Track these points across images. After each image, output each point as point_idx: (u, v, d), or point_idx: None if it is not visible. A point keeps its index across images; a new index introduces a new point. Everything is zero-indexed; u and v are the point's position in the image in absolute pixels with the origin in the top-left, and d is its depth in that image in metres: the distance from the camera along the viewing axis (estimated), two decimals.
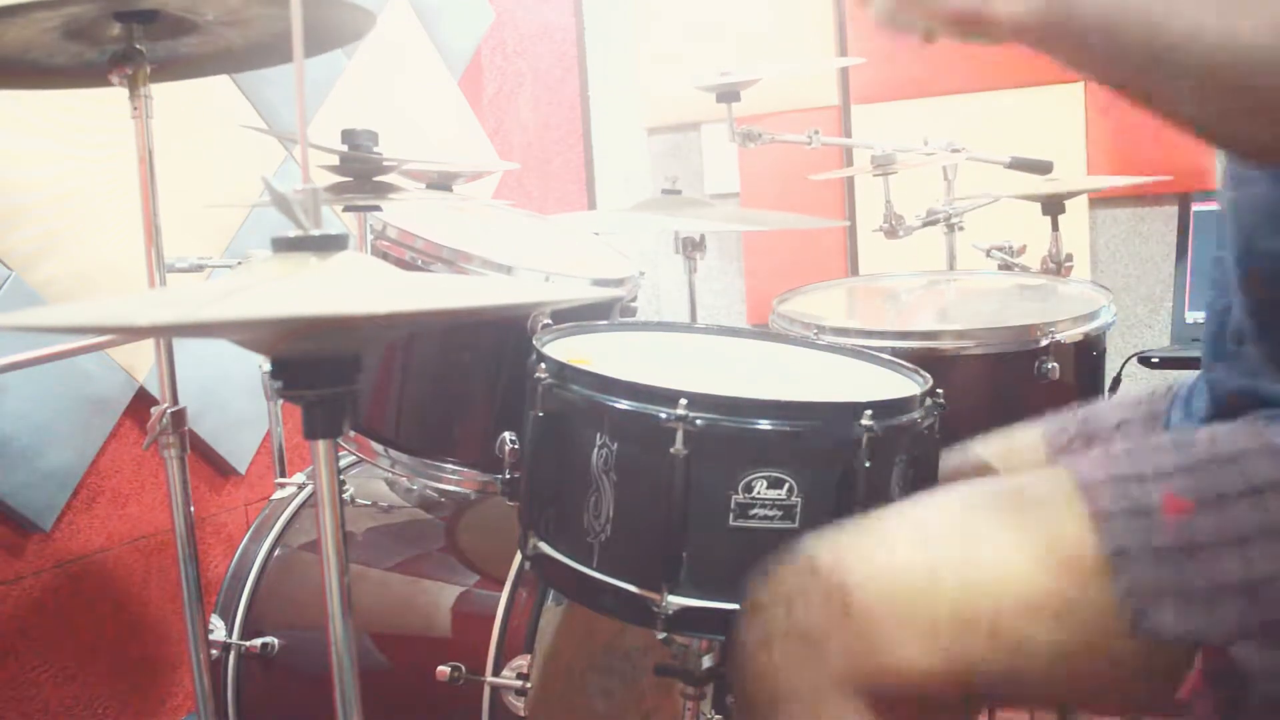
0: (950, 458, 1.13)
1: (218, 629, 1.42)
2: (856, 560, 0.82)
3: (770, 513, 0.89)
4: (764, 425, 0.89)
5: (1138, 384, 1.24)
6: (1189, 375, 1.04)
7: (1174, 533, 0.78)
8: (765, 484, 0.89)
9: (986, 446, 1.15)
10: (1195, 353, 1.00)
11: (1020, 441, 1.14)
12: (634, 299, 1.40)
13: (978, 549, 0.81)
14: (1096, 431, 1.10)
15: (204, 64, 1.33)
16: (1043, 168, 1.92)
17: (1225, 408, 0.92)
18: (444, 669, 1.26)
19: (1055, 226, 1.92)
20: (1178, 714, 0.80)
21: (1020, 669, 0.79)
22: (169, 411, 1.24)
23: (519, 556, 1.21)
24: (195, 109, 1.87)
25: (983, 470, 1.13)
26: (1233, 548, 0.77)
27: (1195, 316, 2.31)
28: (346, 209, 1.28)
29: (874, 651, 0.79)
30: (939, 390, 1.00)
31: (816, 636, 0.80)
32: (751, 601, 0.85)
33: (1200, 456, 0.82)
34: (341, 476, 1.51)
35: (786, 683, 0.81)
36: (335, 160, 1.24)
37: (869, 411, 0.90)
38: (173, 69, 1.28)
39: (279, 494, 1.55)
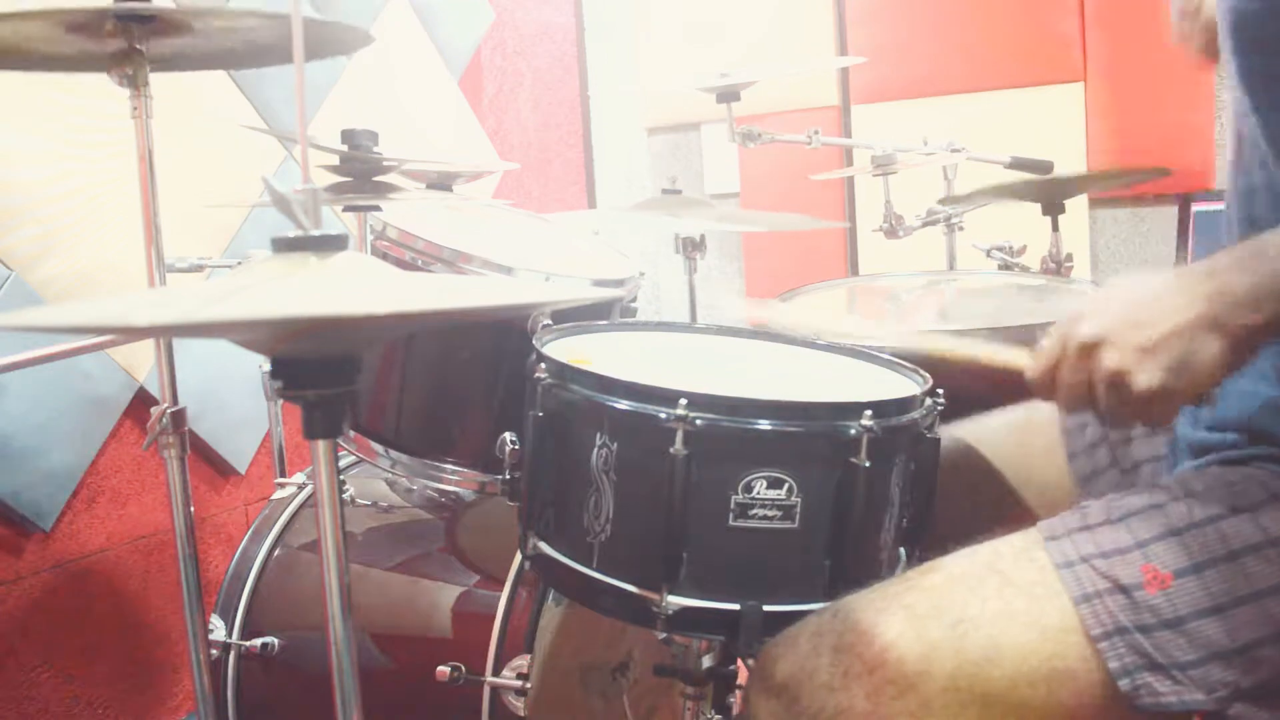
0: (961, 431, 1.14)
1: (218, 629, 1.42)
2: (856, 643, 0.84)
3: (770, 513, 0.89)
4: (764, 425, 0.89)
5: None
6: None
7: (1156, 608, 0.80)
8: (765, 484, 0.89)
9: (1003, 417, 1.17)
10: None
11: (1035, 419, 1.15)
12: (634, 299, 1.40)
13: (966, 636, 0.83)
14: (1114, 439, 1.10)
15: (203, 61, 1.32)
16: (1043, 167, 1.92)
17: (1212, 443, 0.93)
18: (444, 669, 1.26)
19: (1055, 226, 1.92)
20: None
21: None
22: (169, 411, 1.24)
23: (519, 556, 1.21)
24: (196, 109, 1.87)
25: (993, 449, 1.14)
26: (1214, 615, 0.79)
27: None
28: (346, 209, 1.28)
29: None
30: (939, 390, 1.00)
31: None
32: (762, 678, 0.88)
33: (1175, 523, 0.83)
34: (341, 476, 1.51)
35: None
36: (335, 160, 1.24)
37: (869, 411, 0.90)
38: (172, 63, 1.28)
39: (279, 494, 1.55)
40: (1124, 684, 0.79)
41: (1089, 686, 0.80)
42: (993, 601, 0.84)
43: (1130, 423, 0.84)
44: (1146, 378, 0.77)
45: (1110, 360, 0.79)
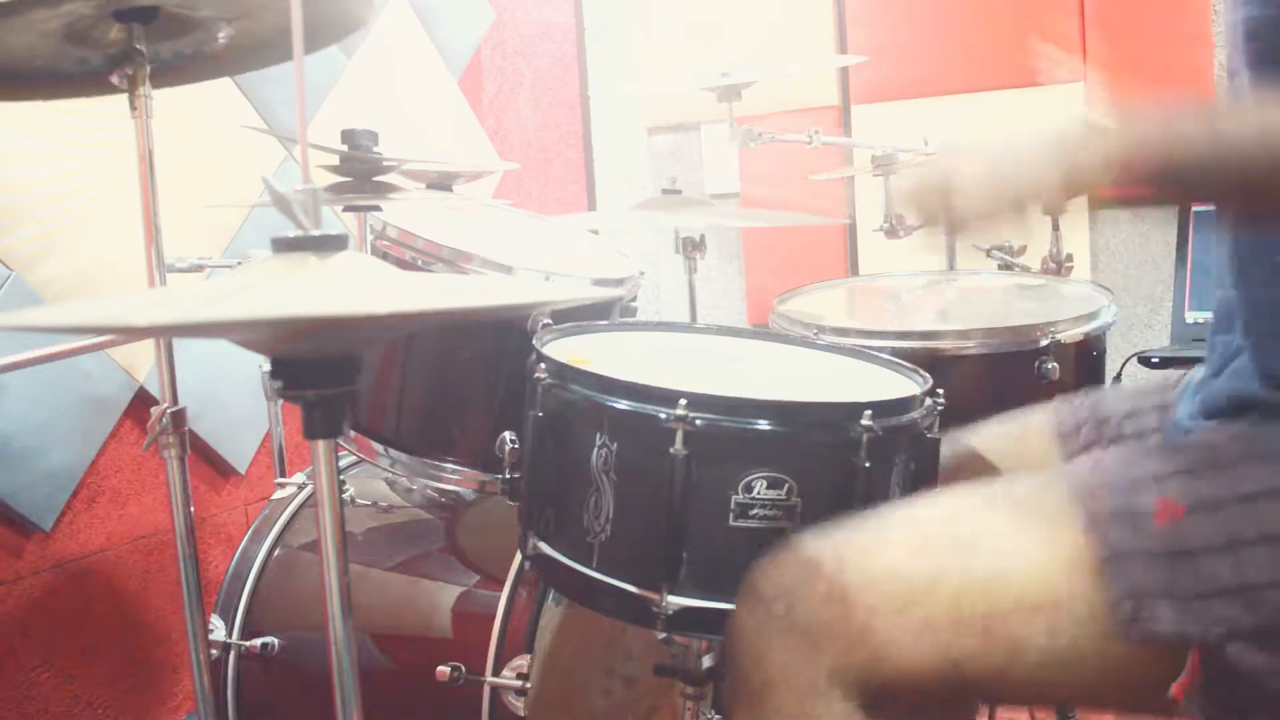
0: (960, 439, 1.14)
1: (218, 629, 1.42)
2: (856, 559, 0.83)
3: (770, 513, 0.89)
4: (764, 425, 0.89)
5: (1138, 384, 1.24)
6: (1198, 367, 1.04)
7: (1166, 537, 0.80)
8: (765, 484, 0.89)
9: (999, 427, 1.17)
10: (1195, 353, 1.00)
11: (1031, 426, 1.15)
12: (634, 299, 1.40)
13: (974, 551, 0.82)
14: (1106, 418, 1.11)
15: (204, 66, 1.33)
16: None
17: (1226, 407, 0.93)
18: (444, 669, 1.26)
19: (1055, 226, 1.92)
20: (1170, 713, 0.81)
21: (1015, 668, 0.80)
22: (169, 411, 1.24)
23: (519, 556, 1.21)
24: (195, 109, 1.87)
25: (991, 455, 1.14)
26: (1225, 552, 0.79)
27: (1195, 316, 2.31)
28: (346, 209, 1.28)
29: (870, 648, 0.80)
30: (939, 390, 1.00)
31: (814, 631, 0.81)
32: (752, 589, 0.86)
33: (1193, 462, 0.84)
34: (341, 476, 1.51)
35: (780, 672, 0.82)
36: (335, 160, 1.24)
37: (869, 411, 0.90)
38: (173, 73, 1.28)
39: (279, 494, 1.55)
40: (1124, 606, 0.78)
41: (1091, 615, 0.80)
42: (1005, 523, 0.84)
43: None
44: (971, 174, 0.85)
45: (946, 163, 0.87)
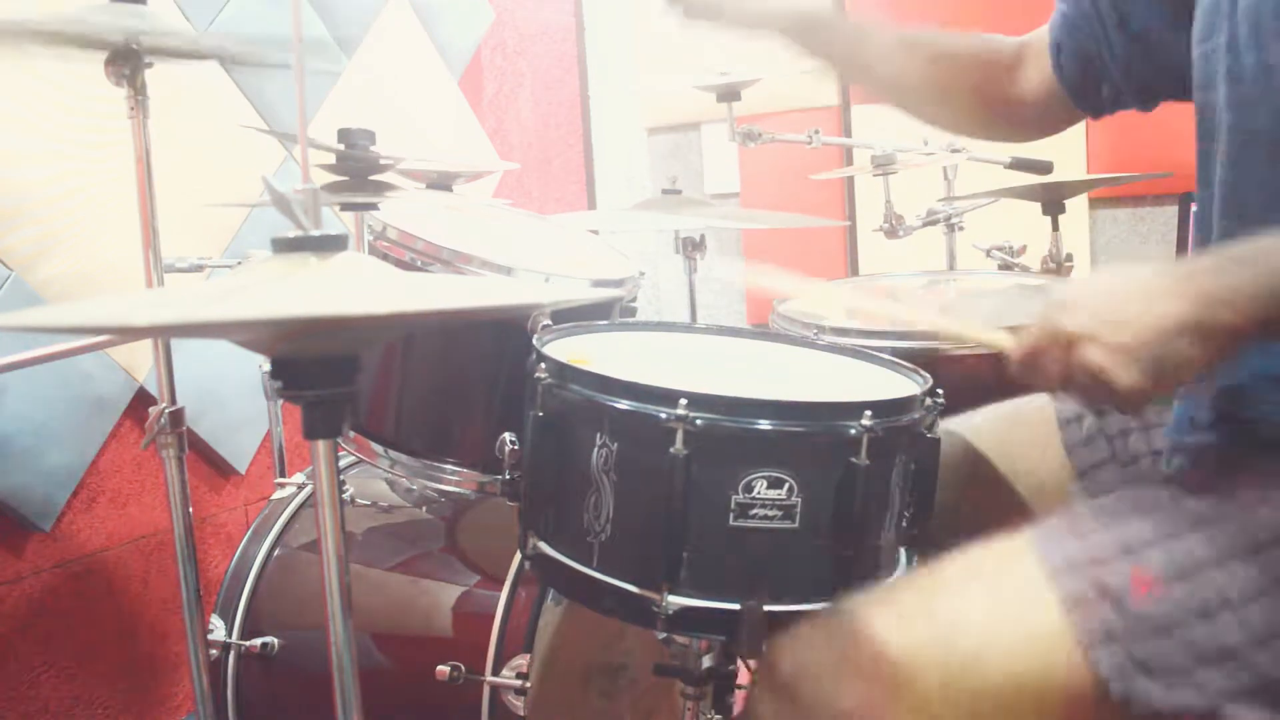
0: (952, 424, 1.14)
1: (218, 629, 1.42)
2: (846, 647, 0.84)
3: (770, 512, 0.89)
4: (764, 425, 0.89)
5: None
6: None
7: (1146, 613, 0.80)
8: (765, 484, 0.89)
9: (995, 413, 1.17)
10: None
11: (1027, 407, 1.16)
12: (634, 299, 1.40)
13: (955, 633, 0.83)
14: (1107, 430, 1.11)
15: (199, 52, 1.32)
16: (1043, 168, 1.92)
17: (1213, 417, 0.93)
18: (444, 669, 1.26)
19: (1055, 226, 1.92)
20: None
21: None
22: (167, 411, 1.24)
23: (519, 556, 1.21)
24: (195, 109, 1.87)
25: (986, 444, 1.15)
26: (1203, 620, 0.79)
27: None
28: (345, 209, 1.28)
29: None
30: (939, 390, 1.00)
31: (828, 716, 0.83)
32: (768, 674, 0.88)
33: (1164, 528, 0.83)
34: (341, 476, 1.51)
35: None
36: (332, 159, 1.24)
37: (869, 411, 0.90)
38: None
39: (279, 494, 1.55)
40: (1116, 688, 0.79)
41: (1079, 689, 0.80)
42: (981, 603, 0.84)
43: (1108, 411, 0.88)
44: (1126, 375, 0.79)
45: (1092, 356, 0.80)
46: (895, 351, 1.18)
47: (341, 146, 1.23)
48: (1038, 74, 1.14)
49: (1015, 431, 1.15)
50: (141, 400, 1.75)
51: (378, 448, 1.36)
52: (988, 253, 2.03)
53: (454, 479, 1.35)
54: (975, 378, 1.39)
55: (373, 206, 1.29)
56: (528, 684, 1.24)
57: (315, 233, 0.72)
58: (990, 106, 1.19)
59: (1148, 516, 0.85)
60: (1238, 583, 0.79)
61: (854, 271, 3.04)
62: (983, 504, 1.12)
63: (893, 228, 2.17)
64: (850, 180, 3.02)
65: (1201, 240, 0.95)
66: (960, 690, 0.81)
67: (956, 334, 1.00)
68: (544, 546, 1.01)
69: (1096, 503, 0.90)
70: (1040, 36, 1.15)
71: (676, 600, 0.91)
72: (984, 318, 1.45)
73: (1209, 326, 0.77)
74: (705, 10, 1.15)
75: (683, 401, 0.88)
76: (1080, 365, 0.81)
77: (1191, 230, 1.05)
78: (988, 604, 0.84)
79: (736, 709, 1.15)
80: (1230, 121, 0.92)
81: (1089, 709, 0.80)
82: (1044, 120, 1.18)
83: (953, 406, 1.02)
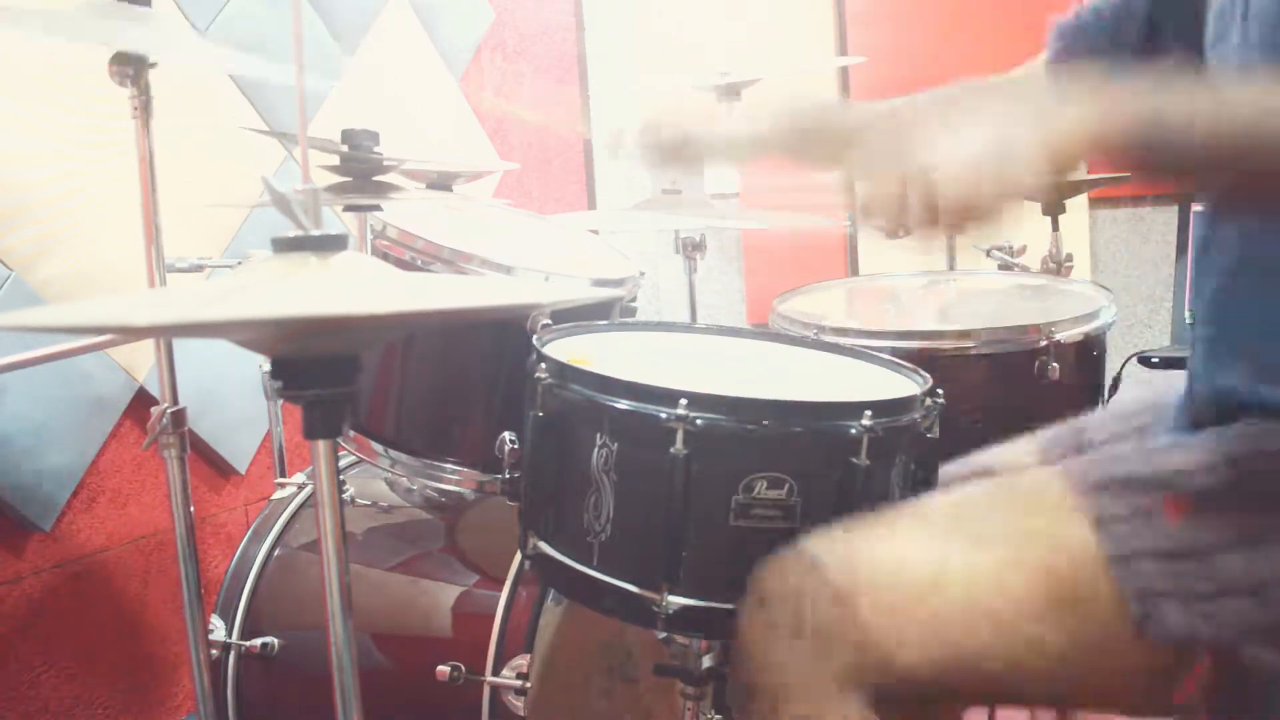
0: (947, 470, 1.13)
1: (218, 629, 1.42)
2: (861, 558, 0.82)
3: (770, 513, 0.89)
4: (764, 425, 0.89)
5: (1138, 384, 1.24)
6: (1180, 382, 1.04)
7: (1176, 535, 0.79)
8: (765, 484, 0.89)
9: (981, 460, 1.15)
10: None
11: (1015, 454, 1.14)
12: (634, 299, 1.40)
13: (981, 546, 0.82)
14: (1089, 442, 1.10)
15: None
16: None
17: (1214, 414, 0.93)
18: (444, 669, 1.26)
19: (1055, 226, 1.92)
20: (1175, 714, 0.80)
21: (1023, 667, 0.80)
22: (169, 411, 1.24)
23: (519, 556, 1.21)
24: (195, 109, 1.87)
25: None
26: (1234, 551, 0.78)
27: None
28: (346, 209, 1.28)
29: (879, 650, 0.79)
30: (939, 390, 1.00)
31: (822, 635, 0.80)
32: (757, 594, 0.85)
33: (1201, 459, 0.82)
34: (341, 476, 1.51)
35: (791, 679, 0.82)
36: (335, 160, 1.24)
37: (869, 411, 0.90)
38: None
39: (279, 494, 1.55)
40: (1135, 608, 0.77)
41: (1101, 611, 0.79)
42: (1012, 518, 0.83)
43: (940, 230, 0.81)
44: (949, 156, 0.75)
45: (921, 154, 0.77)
46: (895, 351, 1.18)
47: (345, 147, 1.23)
48: None
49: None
50: (141, 400, 1.75)
51: (378, 447, 1.36)
52: (988, 253, 2.03)
53: (454, 478, 1.35)
54: (975, 378, 1.40)
55: (375, 207, 1.29)
56: (528, 684, 1.24)
57: (315, 233, 0.72)
58: None
59: (1182, 448, 0.84)
60: (1274, 522, 0.78)
61: (854, 271, 3.04)
62: None
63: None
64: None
65: (1206, 242, 0.94)
66: (982, 606, 0.79)
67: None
68: (544, 546, 1.01)
69: (1128, 441, 0.88)
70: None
71: (676, 600, 0.91)
72: (985, 324, 1.44)
73: (1042, 114, 0.74)
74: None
75: (683, 401, 0.88)
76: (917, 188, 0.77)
77: (1193, 230, 1.04)
78: (1018, 518, 0.83)
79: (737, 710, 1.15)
80: None
81: (1109, 636, 0.79)
82: None
83: (953, 407, 1.02)
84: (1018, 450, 1.14)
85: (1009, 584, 0.80)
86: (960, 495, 0.87)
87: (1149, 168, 0.79)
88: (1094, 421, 1.12)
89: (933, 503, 0.88)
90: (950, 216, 0.76)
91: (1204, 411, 0.92)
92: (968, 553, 0.81)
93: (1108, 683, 0.81)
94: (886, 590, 0.80)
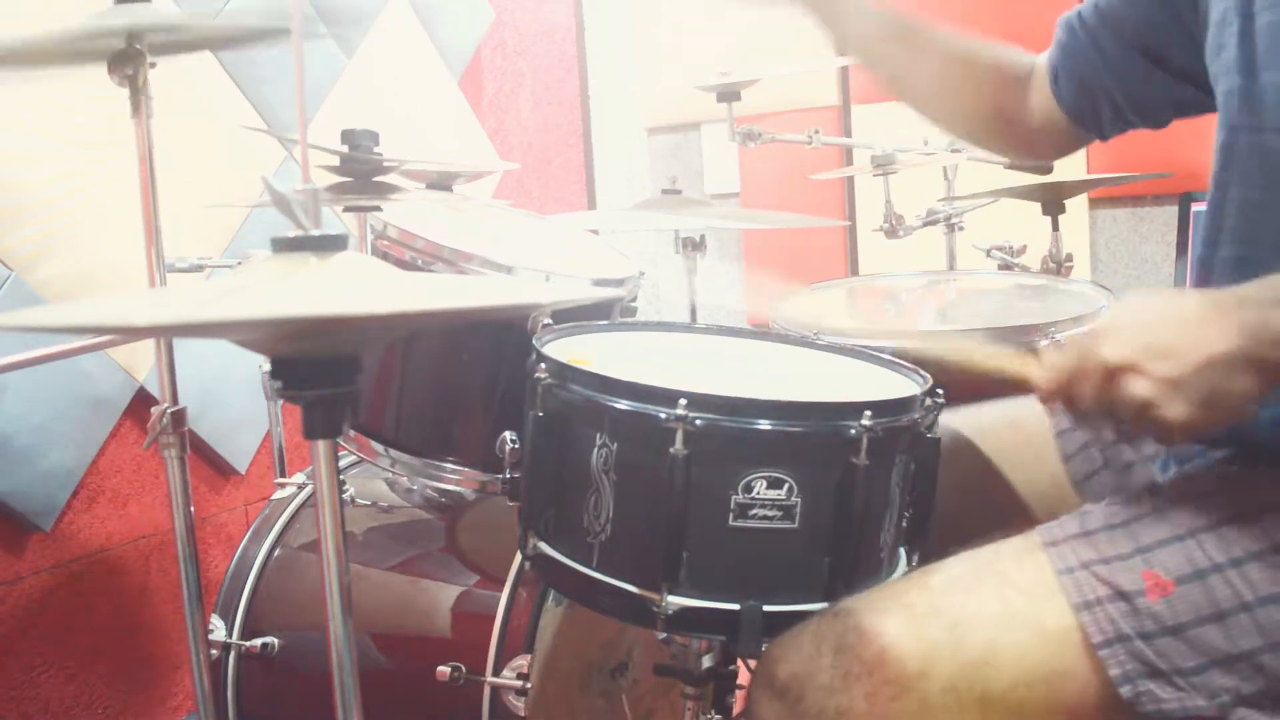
0: (951, 425, 1.14)
1: (218, 629, 1.42)
2: (855, 644, 0.84)
3: (770, 513, 0.89)
4: (764, 425, 0.89)
5: None
6: None
7: (1158, 615, 0.80)
8: (765, 484, 0.89)
9: (992, 413, 1.17)
10: None
11: (1027, 413, 1.15)
12: (634, 299, 1.40)
13: (966, 632, 0.83)
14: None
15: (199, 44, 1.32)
16: (1042, 168, 1.92)
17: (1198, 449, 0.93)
18: (444, 669, 1.26)
19: (1055, 226, 1.92)
20: None
21: None
22: (169, 411, 1.24)
23: (519, 556, 1.21)
24: (195, 109, 1.87)
25: (984, 442, 1.14)
26: (1216, 622, 0.79)
27: None
28: (347, 209, 1.28)
29: None
30: (939, 390, 1.00)
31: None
32: (767, 676, 0.88)
33: (1177, 528, 0.83)
34: (341, 476, 1.51)
35: None
36: (335, 160, 1.24)
37: (869, 411, 0.90)
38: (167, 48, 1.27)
39: (279, 494, 1.55)
40: (1125, 691, 0.79)
41: (1089, 690, 0.80)
42: (991, 603, 0.84)
43: (1147, 439, 0.84)
44: (1176, 410, 0.76)
45: (1138, 388, 0.77)
46: (895, 351, 1.18)
47: (345, 148, 1.23)
48: (1042, 98, 1.14)
49: (1015, 438, 1.15)
50: (141, 400, 1.75)
51: (378, 447, 1.36)
52: (988, 253, 2.03)
53: (455, 478, 1.35)
54: (975, 378, 1.39)
55: (375, 208, 1.29)
56: (528, 684, 1.24)
57: (315, 233, 0.72)
58: (999, 120, 1.17)
59: (1160, 518, 0.85)
60: (1253, 585, 0.79)
61: (854, 271, 3.04)
62: (982, 508, 1.12)
63: (893, 228, 2.17)
64: (850, 180, 3.02)
65: (1210, 242, 0.94)
66: (968, 692, 0.81)
67: (970, 362, 0.95)
68: (544, 547, 1.01)
69: (1107, 503, 0.89)
70: (1044, 59, 1.14)
71: (676, 600, 0.91)
72: (985, 324, 1.44)
73: (1258, 359, 0.74)
74: None
75: (682, 401, 0.88)
76: (1122, 397, 0.78)
77: (1193, 230, 1.05)
78: (998, 603, 0.83)
79: (736, 709, 1.15)
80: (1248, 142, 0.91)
81: (1098, 712, 0.80)
82: (1052, 142, 1.17)
83: (953, 407, 1.02)
84: (1031, 409, 1.14)
85: (993, 669, 0.81)
86: (943, 576, 0.88)
87: None
88: None
89: (918, 581, 0.89)
90: (1159, 434, 0.79)
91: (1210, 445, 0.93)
92: (950, 640, 0.82)
93: None
94: (877, 678, 0.82)
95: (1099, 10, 1.07)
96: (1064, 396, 0.83)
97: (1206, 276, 0.92)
